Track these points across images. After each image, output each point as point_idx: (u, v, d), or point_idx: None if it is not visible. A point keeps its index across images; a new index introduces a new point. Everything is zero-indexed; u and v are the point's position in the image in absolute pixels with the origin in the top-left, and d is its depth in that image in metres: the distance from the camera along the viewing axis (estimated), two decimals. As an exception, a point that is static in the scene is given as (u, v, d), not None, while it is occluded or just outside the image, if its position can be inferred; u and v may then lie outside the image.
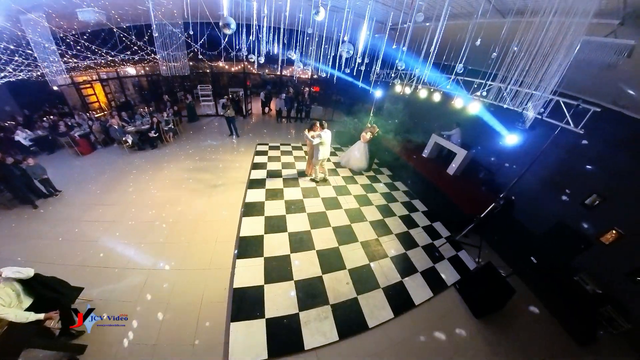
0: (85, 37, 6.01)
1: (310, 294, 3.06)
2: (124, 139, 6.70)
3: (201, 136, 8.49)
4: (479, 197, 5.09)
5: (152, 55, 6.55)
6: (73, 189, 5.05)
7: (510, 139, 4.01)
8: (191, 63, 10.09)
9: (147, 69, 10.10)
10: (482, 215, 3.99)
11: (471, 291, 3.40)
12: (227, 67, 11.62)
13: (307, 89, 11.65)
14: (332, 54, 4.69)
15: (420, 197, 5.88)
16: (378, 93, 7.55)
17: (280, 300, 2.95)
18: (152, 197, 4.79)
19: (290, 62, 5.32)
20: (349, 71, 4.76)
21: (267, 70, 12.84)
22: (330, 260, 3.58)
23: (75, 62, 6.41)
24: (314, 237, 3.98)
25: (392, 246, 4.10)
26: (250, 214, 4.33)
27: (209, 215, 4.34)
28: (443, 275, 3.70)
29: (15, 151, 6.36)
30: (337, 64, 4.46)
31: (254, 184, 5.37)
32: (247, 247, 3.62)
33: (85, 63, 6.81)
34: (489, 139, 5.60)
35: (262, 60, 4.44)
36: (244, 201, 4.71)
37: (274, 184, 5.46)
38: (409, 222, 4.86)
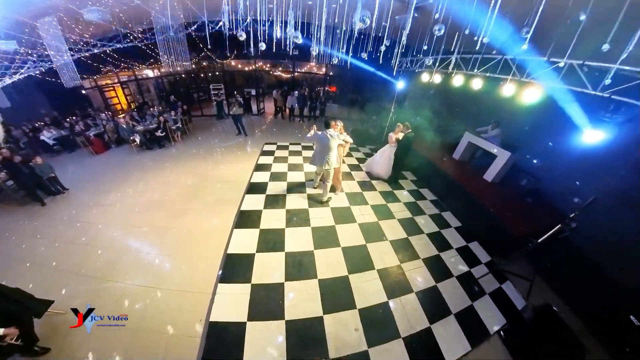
0: (95, 39, 6.02)
1: (305, 341, 2.32)
2: (131, 138, 6.61)
3: (209, 135, 8.27)
4: (527, 211, 3.96)
5: (158, 56, 6.46)
6: (79, 187, 5.05)
7: (591, 136, 2.90)
8: (204, 63, 10.06)
9: (163, 70, 10.28)
10: (541, 240, 2.93)
11: (522, 343, 2.47)
12: (239, 66, 11.50)
13: (321, 87, 10.99)
14: (346, 32, 3.83)
15: (452, 208, 4.83)
16: (400, 84, 6.57)
17: (264, 345, 2.27)
18: (150, 200, 4.51)
19: (302, 58, 4.64)
20: (365, 56, 3.91)
21: (280, 68, 12.49)
22: (336, 295, 2.78)
23: (87, 60, 6.48)
24: (318, 260, 3.20)
25: (418, 276, 3.19)
26: (244, 225, 3.70)
27: (199, 223, 3.81)
28: (484, 318, 2.74)
29: (40, 150, 6.67)
30: (351, 45, 3.62)
31: (253, 188, 4.77)
32: (234, 268, 2.99)
33: (100, 66, 6.94)
34: (542, 137, 4.40)
35: (262, 46, 3.84)
36: (238, 209, 4.10)
37: (277, 188, 4.82)
38: (439, 242, 3.87)
